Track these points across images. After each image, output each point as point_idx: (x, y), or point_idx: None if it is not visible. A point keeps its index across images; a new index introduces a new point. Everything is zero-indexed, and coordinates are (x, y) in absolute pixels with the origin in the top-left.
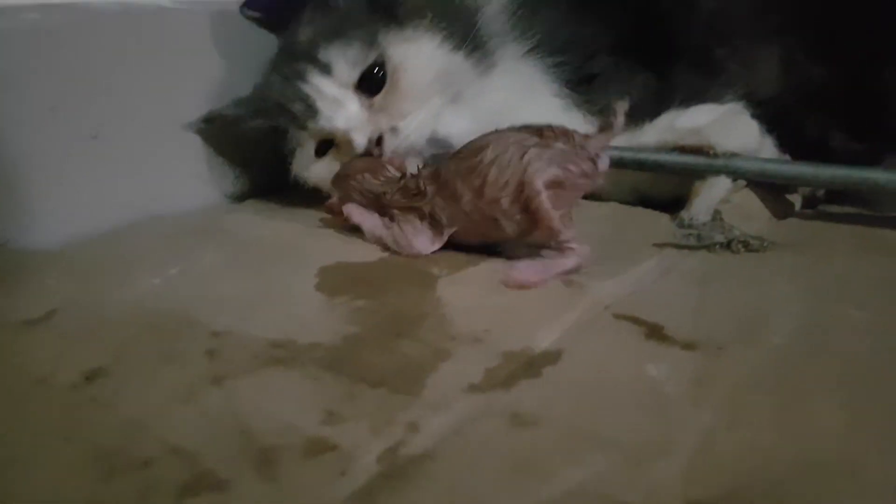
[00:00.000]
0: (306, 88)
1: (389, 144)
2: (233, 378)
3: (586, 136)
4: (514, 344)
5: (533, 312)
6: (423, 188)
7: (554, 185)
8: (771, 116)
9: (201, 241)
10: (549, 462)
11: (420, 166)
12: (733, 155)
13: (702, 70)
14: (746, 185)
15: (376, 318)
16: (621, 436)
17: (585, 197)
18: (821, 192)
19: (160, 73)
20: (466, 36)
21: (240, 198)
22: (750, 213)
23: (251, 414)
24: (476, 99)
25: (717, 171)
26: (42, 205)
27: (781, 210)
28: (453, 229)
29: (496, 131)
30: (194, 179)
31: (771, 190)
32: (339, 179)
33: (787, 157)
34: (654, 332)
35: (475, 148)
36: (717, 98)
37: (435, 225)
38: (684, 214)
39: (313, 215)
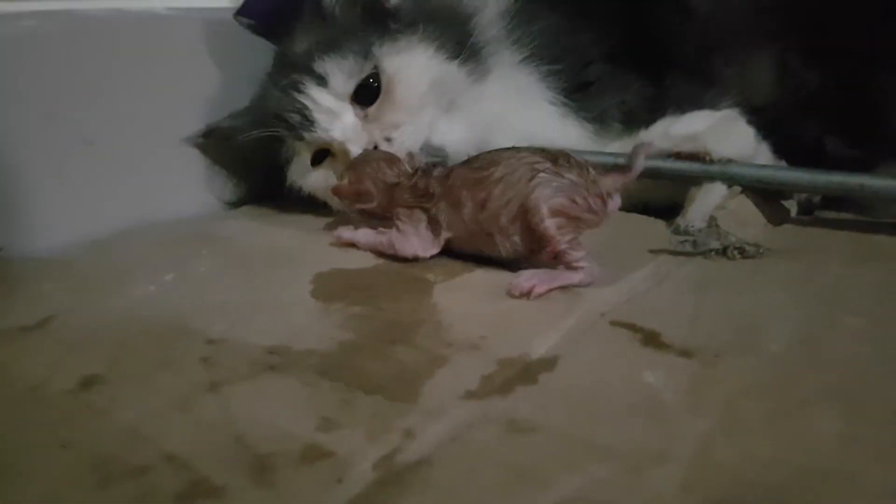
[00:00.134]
0: (303, 100)
1: None
2: (228, 385)
3: (602, 173)
4: (510, 350)
5: (529, 319)
6: (431, 190)
7: (558, 213)
8: (766, 122)
9: (197, 247)
10: (545, 469)
11: (432, 168)
12: (729, 161)
13: (697, 77)
14: (742, 192)
15: (372, 325)
16: (618, 443)
17: None
18: (816, 199)
19: (156, 80)
20: (461, 45)
21: (236, 205)
22: (746, 219)
23: (247, 421)
24: (471, 107)
25: (712, 178)
26: (38, 211)
27: (777, 216)
28: (450, 235)
29: (513, 148)
30: (190, 186)
31: (767, 196)
32: (355, 164)
33: (783, 163)
34: (651, 339)
35: (487, 161)
36: (712, 104)
37: (435, 228)
38: (680, 221)
39: (309, 222)
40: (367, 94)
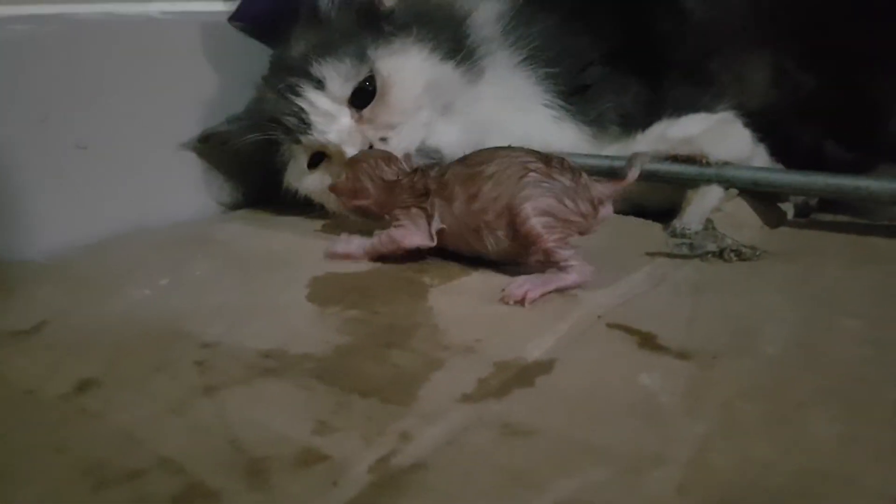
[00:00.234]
0: (300, 103)
1: None
2: (224, 389)
3: (596, 179)
4: (506, 353)
5: (525, 322)
6: (429, 188)
7: (545, 213)
8: (763, 125)
9: (192, 251)
10: (542, 472)
11: (430, 168)
12: (725, 164)
13: (693, 80)
14: (738, 194)
15: (368, 329)
16: (615, 446)
17: None
18: (813, 201)
19: (151, 84)
20: (456, 46)
21: (231, 208)
22: (742, 221)
23: (242, 425)
24: (467, 109)
25: (708, 180)
26: (33, 216)
27: (774, 219)
28: (442, 227)
29: (508, 147)
30: (185, 190)
31: (763, 199)
32: (353, 161)
33: (780, 165)
34: (648, 342)
35: (482, 158)
36: (709, 107)
37: (431, 222)
38: (676, 223)
39: (305, 226)
40: (363, 96)
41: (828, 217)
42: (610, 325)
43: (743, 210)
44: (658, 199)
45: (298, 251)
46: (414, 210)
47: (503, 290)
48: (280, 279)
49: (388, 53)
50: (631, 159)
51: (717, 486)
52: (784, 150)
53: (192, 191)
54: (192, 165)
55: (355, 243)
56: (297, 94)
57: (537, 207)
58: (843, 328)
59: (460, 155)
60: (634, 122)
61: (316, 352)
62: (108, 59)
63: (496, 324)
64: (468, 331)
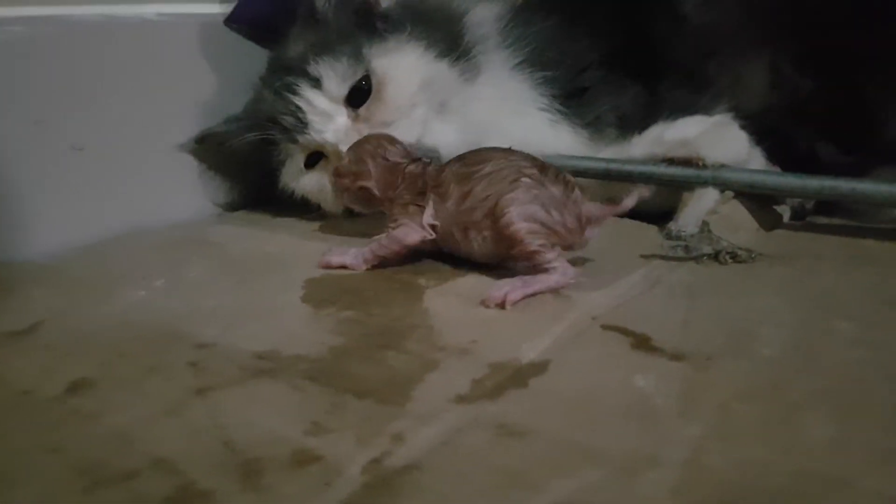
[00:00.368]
0: (297, 101)
1: None
2: (217, 390)
3: (588, 198)
4: (501, 355)
5: (520, 323)
6: (429, 184)
7: (530, 219)
8: (759, 128)
9: (188, 253)
10: (536, 474)
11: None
12: (722, 166)
13: (691, 83)
14: (734, 197)
15: (363, 330)
16: (609, 447)
17: None
18: (809, 204)
19: (147, 85)
20: (450, 44)
21: (228, 209)
22: (738, 224)
23: (236, 425)
24: (463, 108)
25: (704, 183)
26: (28, 217)
27: (769, 221)
28: (436, 223)
29: (507, 150)
30: (182, 191)
31: (759, 201)
32: (356, 144)
33: (776, 168)
34: (642, 343)
35: (479, 158)
36: (705, 110)
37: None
38: (672, 226)
39: (301, 227)
40: (359, 95)
41: (824, 220)
42: (605, 327)
43: (739, 212)
44: (654, 201)
45: (294, 253)
46: (412, 208)
47: (485, 295)
48: (275, 281)
49: (382, 52)
50: (630, 193)
51: (711, 487)
52: (780, 152)
53: (189, 192)
54: (189, 167)
55: (351, 252)
56: (295, 93)
57: (522, 212)
58: (839, 330)
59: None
60: (631, 124)
61: (310, 353)
62: (105, 60)
63: (491, 325)
64: (463, 332)
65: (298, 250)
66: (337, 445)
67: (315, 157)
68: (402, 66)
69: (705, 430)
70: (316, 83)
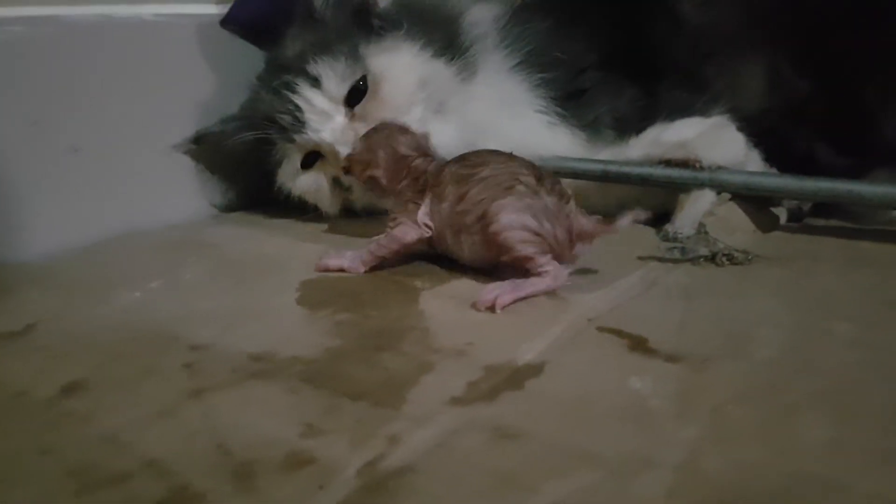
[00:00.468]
0: (296, 100)
1: None
2: (212, 392)
3: (582, 212)
4: (496, 357)
5: (516, 325)
6: (427, 184)
7: (521, 227)
8: (757, 130)
9: (183, 254)
10: (531, 476)
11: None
12: (719, 168)
13: (688, 84)
14: (731, 198)
15: (358, 332)
16: (605, 450)
17: None
18: (806, 206)
19: (144, 86)
20: (447, 42)
21: (225, 211)
22: (735, 226)
23: (230, 428)
24: (461, 108)
25: (702, 184)
26: (24, 218)
27: (766, 223)
28: (431, 224)
29: (507, 154)
30: (178, 193)
31: (756, 203)
32: (369, 132)
33: (774, 170)
34: (638, 345)
35: (478, 160)
36: (703, 112)
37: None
38: (669, 228)
39: (297, 229)
40: (356, 95)
41: (821, 221)
42: (601, 329)
43: (736, 214)
44: (650, 203)
45: (291, 254)
46: (411, 206)
47: (476, 298)
48: (271, 282)
49: (379, 51)
50: (625, 215)
51: (708, 490)
52: (778, 154)
53: (186, 193)
54: (186, 168)
55: (348, 255)
56: (294, 92)
57: (512, 220)
58: (836, 332)
59: (455, 155)
60: (629, 126)
61: (306, 355)
62: (101, 61)
63: (487, 327)
64: (459, 334)
65: (295, 252)
66: (332, 448)
67: (312, 158)
68: (399, 65)
69: (702, 432)
70: (315, 82)
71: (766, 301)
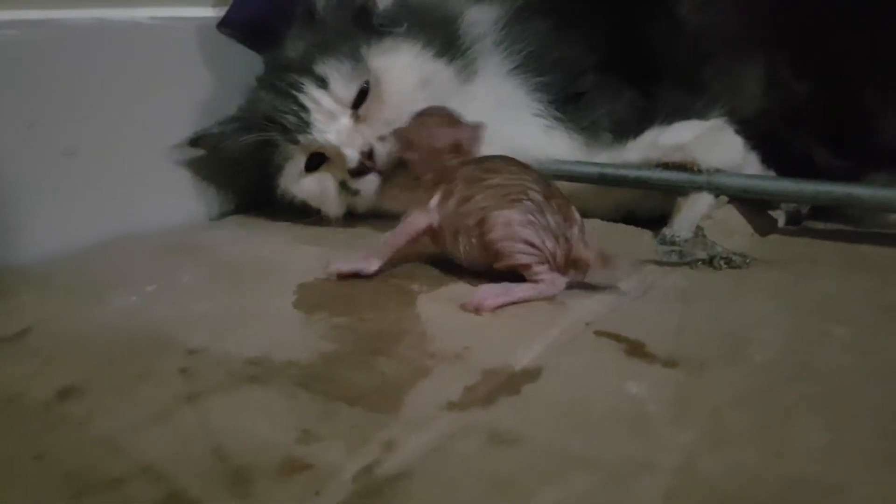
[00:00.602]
0: (303, 100)
1: (381, 155)
2: (207, 396)
3: (585, 241)
4: (493, 361)
5: (513, 330)
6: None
7: (518, 239)
8: (755, 133)
9: (180, 258)
10: (528, 481)
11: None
12: (717, 171)
13: (687, 87)
14: (729, 202)
15: (355, 336)
16: (601, 454)
17: None
18: (804, 209)
19: (140, 89)
20: (447, 43)
21: (223, 214)
22: (732, 229)
23: (225, 432)
24: (462, 109)
25: (699, 188)
26: (20, 222)
27: (764, 226)
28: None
29: (523, 165)
30: (175, 196)
31: (754, 206)
32: (420, 114)
33: (772, 173)
34: (636, 350)
35: (493, 166)
36: (701, 114)
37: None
38: (666, 231)
39: (296, 232)
40: (359, 96)
41: (818, 225)
42: (598, 333)
43: (733, 217)
44: (648, 206)
45: (288, 257)
46: (425, 197)
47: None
48: (268, 285)
49: (379, 52)
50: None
51: (704, 494)
52: (776, 157)
53: (183, 196)
54: (183, 171)
55: (355, 263)
56: (301, 91)
57: (510, 232)
58: (833, 336)
59: None
60: (627, 129)
61: (301, 359)
62: (97, 64)
63: (484, 331)
64: (456, 338)
65: (292, 255)
66: (327, 453)
67: (316, 160)
68: (399, 65)
69: (698, 437)
70: (322, 83)
71: (764, 304)
